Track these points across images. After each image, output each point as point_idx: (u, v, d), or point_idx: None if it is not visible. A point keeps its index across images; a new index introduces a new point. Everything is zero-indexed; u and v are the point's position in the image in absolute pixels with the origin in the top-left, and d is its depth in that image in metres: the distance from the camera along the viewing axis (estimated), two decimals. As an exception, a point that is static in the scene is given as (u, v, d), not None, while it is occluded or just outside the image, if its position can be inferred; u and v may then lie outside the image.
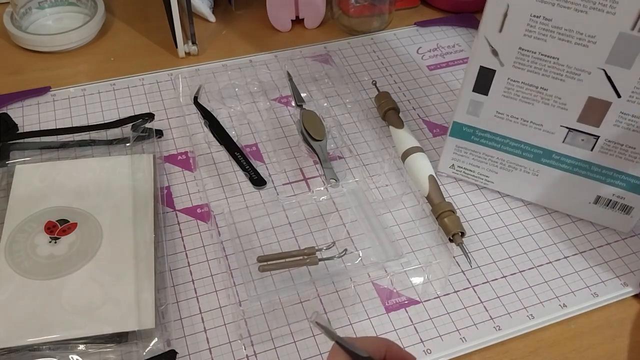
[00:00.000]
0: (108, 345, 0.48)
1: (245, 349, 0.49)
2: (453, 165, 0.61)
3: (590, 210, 0.58)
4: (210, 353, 0.49)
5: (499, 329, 0.51)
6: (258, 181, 0.61)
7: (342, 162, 0.64)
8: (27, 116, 0.67)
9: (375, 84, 0.72)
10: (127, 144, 0.63)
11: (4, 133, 0.64)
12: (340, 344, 0.37)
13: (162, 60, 0.75)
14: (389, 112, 0.67)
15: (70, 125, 0.66)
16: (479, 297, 0.54)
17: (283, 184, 0.62)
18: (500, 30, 0.49)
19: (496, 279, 0.55)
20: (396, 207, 0.60)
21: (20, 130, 0.65)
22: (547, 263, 0.56)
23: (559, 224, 0.60)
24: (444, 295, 0.54)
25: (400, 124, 0.65)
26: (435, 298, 0.53)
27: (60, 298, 0.50)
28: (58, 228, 0.54)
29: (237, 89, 0.71)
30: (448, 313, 0.52)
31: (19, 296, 0.50)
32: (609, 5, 0.44)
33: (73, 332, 0.48)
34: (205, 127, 0.66)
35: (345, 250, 0.55)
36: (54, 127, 0.66)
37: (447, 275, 0.55)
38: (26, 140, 0.63)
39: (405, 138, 0.63)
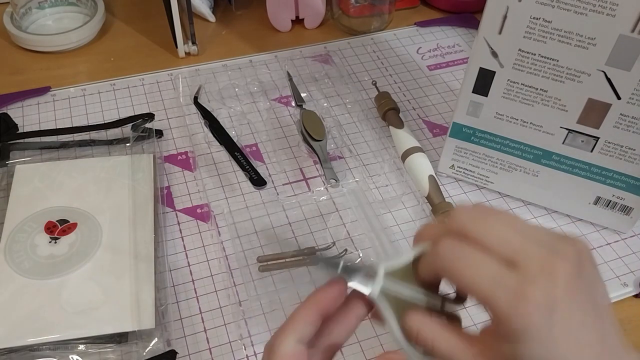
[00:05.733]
0: (108, 345, 0.48)
1: (245, 349, 0.50)
2: (453, 165, 0.61)
3: (590, 210, 0.58)
4: (210, 353, 0.49)
5: (498, 330, 0.51)
6: (258, 181, 0.61)
7: (342, 162, 0.64)
8: (27, 116, 0.67)
9: (375, 84, 0.72)
10: (127, 144, 0.63)
11: (4, 133, 0.64)
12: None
13: (162, 60, 0.75)
14: (389, 112, 0.67)
15: (70, 125, 0.66)
16: (478, 298, 0.54)
17: (283, 184, 0.62)
18: (500, 32, 0.49)
19: (496, 280, 0.55)
20: (396, 207, 0.60)
21: (20, 130, 0.65)
22: (546, 263, 0.56)
23: (559, 224, 0.60)
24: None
25: (400, 124, 0.65)
26: (434, 298, 0.53)
27: (60, 298, 0.50)
28: (58, 228, 0.54)
29: (237, 89, 0.71)
30: (448, 313, 0.52)
31: (19, 296, 0.50)
32: (609, 8, 0.44)
33: (73, 332, 0.48)
34: (205, 127, 0.66)
35: (345, 250, 0.55)
36: (54, 127, 0.66)
37: (446, 275, 0.55)
38: (26, 140, 0.64)
39: (405, 138, 0.63)
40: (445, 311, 0.36)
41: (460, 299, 0.37)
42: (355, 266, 0.36)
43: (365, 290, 0.35)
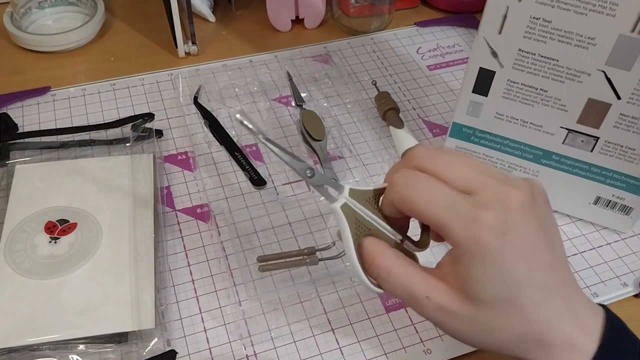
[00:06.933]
0: (108, 345, 0.48)
1: (245, 349, 0.50)
2: (453, 165, 0.61)
3: (590, 210, 0.58)
4: (210, 353, 0.49)
5: (498, 330, 0.51)
6: (258, 181, 0.61)
7: (342, 162, 0.64)
8: (27, 116, 0.67)
9: (375, 84, 0.72)
10: (127, 144, 0.63)
11: (4, 133, 0.64)
12: (267, 142, 0.37)
13: (162, 60, 0.75)
14: (389, 112, 0.67)
15: (70, 125, 0.66)
16: (478, 298, 0.54)
17: (283, 184, 0.62)
18: (500, 32, 0.49)
19: (496, 280, 0.55)
20: (396, 207, 0.60)
21: (20, 130, 0.65)
22: (546, 263, 0.56)
23: (559, 224, 0.59)
24: (444, 295, 0.54)
25: (400, 124, 0.65)
26: (434, 298, 0.53)
27: (60, 298, 0.50)
28: (58, 228, 0.54)
29: (237, 89, 0.71)
30: (448, 313, 0.52)
31: (19, 296, 0.50)
32: (609, 7, 0.44)
33: (73, 332, 0.48)
34: (205, 127, 0.66)
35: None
36: (54, 127, 0.66)
37: (446, 275, 0.55)
38: (26, 140, 0.64)
39: (405, 138, 0.63)
40: (404, 249, 0.37)
41: (422, 243, 0.38)
42: (324, 178, 0.38)
43: (329, 200, 0.37)
